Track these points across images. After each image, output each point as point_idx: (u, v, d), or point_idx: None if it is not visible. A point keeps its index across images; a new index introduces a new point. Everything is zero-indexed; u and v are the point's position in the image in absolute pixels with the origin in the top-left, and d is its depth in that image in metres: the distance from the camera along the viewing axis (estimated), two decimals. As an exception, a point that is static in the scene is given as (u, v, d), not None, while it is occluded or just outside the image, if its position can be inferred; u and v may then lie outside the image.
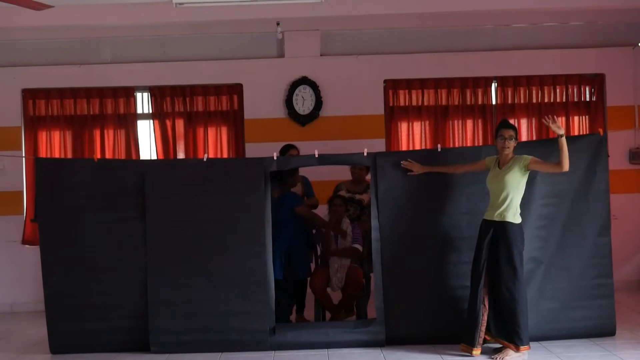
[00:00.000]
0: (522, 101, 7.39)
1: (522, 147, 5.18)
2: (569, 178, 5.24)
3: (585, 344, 5.20)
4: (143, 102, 7.43)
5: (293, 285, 5.80)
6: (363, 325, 5.44)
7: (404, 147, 7.31)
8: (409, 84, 7.34)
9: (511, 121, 6.39)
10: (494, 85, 7.40)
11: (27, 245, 7.17)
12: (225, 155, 7.34)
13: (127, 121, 7.35)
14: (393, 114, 7.37)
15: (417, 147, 7.29)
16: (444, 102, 7.36)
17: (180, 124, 7.37)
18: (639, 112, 7.41)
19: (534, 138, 7.26)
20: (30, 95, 7.35)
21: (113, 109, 7.35)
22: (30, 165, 7.05)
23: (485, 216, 5.01)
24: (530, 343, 4.94)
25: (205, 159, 5.52)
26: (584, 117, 7.44)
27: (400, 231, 5.36)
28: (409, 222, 5.37)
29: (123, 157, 7.28)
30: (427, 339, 5.29)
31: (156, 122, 7.35)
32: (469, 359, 4.97)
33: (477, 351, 4.96)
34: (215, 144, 7.38)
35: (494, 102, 7.41)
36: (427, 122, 7.36)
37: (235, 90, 7.38)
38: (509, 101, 7.37)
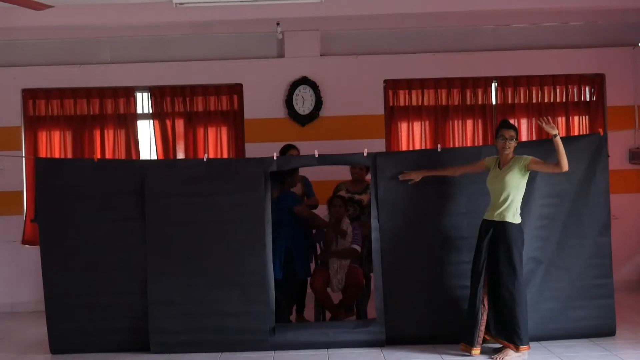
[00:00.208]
0: (522, 101, 7.39)
1: (522, 147, 5.17)
2: (569, 178, 5.24)
3: (585, 344, 5.20)
4: (143, 102, 7.43)
5: (293, 285, 5.79)
6: (363, 325, 5.44)
7: (404, 147, 7.31)
8: (409, 84, 7.34)
9: (511, 121, 6.39)
10: (494, 85, 7.40)
11: (27, 245, 7.17)
12: (225, 155, 7.34)
13: (127, 121, 7.35)
14: (393, 114, 7.37)
15: (417, 147, 7.29)
16: (444, 102, 7.36)
17: (180, 124, 7.36)
18: (639, 112, 7.41)
19: (534, 138, 7.26)
20: (30, 95, 7.34)
21: (113, 109, 7.35)
22: (30, 165, 7.05)
23: (485, 216, 5.02)
24: (530, 343, 4.94)
25: (205, 159, 5.52)
26: (584, 117, 7.44)
27: (400, 231, 5.36)
28: (409, 222, 5.37)
29: (123, 157, 7.27)
30: (427, 338, 5.29)
31: (156, 122, 7.35)
32: (468, 359, 4.96)
33: (476, 351, 4.96)
34: (215, 144, 7.37)
35: (494, 102, 7.41)
36: (427, 122, 7.36)
37: (235, 90, 7.38)
38: (509, 101, 7.37)
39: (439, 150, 5.47)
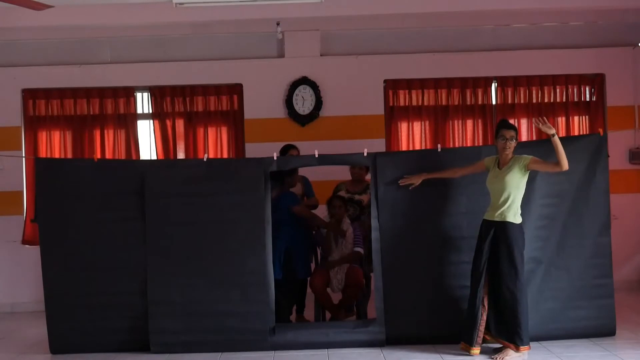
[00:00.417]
0: (522, 101, 7.39)
1: (522, 148, 5.17)
2: (569, 178, 5.25)
3: (585, 344, 5.20)
4: (143, 102, 7.43)
5: (293, 285, 5.79)
6: (363, 325, 5.44)
7: (404, 147, 7.32)
8: (409, 84, 7.34)
9: (511, 121, 6.39)
10: (494, 85, 7.40)
11: (27, 245, 7.17)
12: (225, 155, 7.34)
13: (127, 121, 7.35)
14: (393, 114, 7.37)
15: (417, 147, 7.29)
16: (444, 102, 7.36)
17: (180, 124, 7.37)
18: (639, 112, 7.41)
19: (534, 138, 7.25)
20: (30, 95, 7.35)
21: (113, 109, 7.35)
22: (30, 165, 7.05)
23: (486, 216, 5.01)
24: (530, 343, 4.93)
25: (205, 159, 5.52)
26: (584, 117, 7.44)
27: (400, 231, 5.36)
28: (409, 222, 5.37)
29: (123, 157, 7.27)
30: (427, 338, 5.29)
31: (156, 122, 7.35)
32: (468, 359, 4.96)
33: (475, 350, 4.96)
34: (215, 144, 7.37)
35: (494, 102, 7.41)
36: (427, 122, 7.36)
37: (235, 90, 7.38)
38: (509, 101, 7.37)
39: (439, 150, 5.47)
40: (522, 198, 4.97)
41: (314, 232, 5.98)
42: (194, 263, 5.35)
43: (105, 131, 7.35)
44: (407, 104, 7.38)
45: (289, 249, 5.71)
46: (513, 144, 4.97)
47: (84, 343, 5.42)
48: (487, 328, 5.02)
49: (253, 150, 7.03)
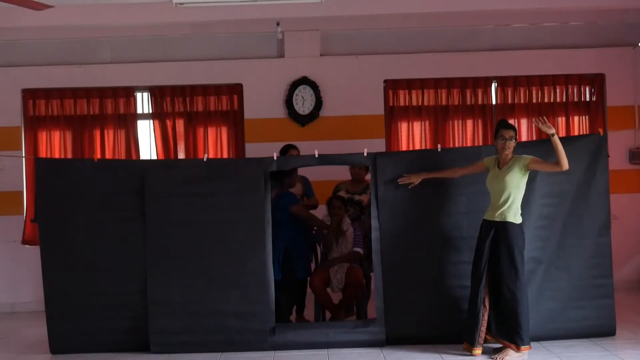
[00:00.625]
0: (522, 101, 7.39)
1: (522, 148, 5.17)
2: (569, 178, 5.25)
3: (585, 344, 5.20)
4: (143, 102, 7.43)
5: (293, 285, 5.79)
6: (363, 325, 5.44)
7: (404, 147, 7.32)
8: (409, 84, 7.34)
9: (511, 121, 6.42)
10: (494, 85, 7.40)
11: (27, 245, 7.17)
12: (225, 155, 7.34)
13: (127, 121, 7.35)
14: (393, 114, 7.37)
15: (417, 147, 7.29)
16: (444, 102, 7.36)
17: (180, 124, 7.37)
18: (639, 112, 7.41)
19: (534, 138, 7.25)
20: (30, 95, 7.35)
21: (113, 109, 7.35)
22: (30, 165, 7.05)
23: (486, 216, 5.01)
24: (531, 343, 4.93)
25: (205, 159, 5.52)
26: (584, 117, 7.44)
27: (400, 231, 5.36)
28: (408, 222, 5.37)
29: (123, 157, 7.28)
30: (427, 338, 5.29)
31: (156, 122, 7.35)
32: (469, 359, 4.96)
33: (477, 351, 4.96)
34: (215, 144, 7.38)
35: (494, 102, 7.41)
36: (427, 122, 7.36)
37: (235, 90, 7.38)
38: (509, 101, 7.37)
39: (439, 150, 5.47)
40: (522, 198, 4.96)
41: (313, 231, 5.98)
42: (194, 263, 5.35)
43: (105, 131, 7.35)
44: (407, 104, 7.38)
45: (288, 249, 5.70)
46: (512, 143, 4.97)
47: (84, 343, 5.42)
48: (488, 328, 5.01)
49: (253, 150, 7.03)
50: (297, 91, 7.26)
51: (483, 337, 4.99)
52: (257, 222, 5.34)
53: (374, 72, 7.30)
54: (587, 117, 7.43)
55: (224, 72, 7.31)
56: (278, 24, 6.99)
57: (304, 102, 7.26)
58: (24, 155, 7.27)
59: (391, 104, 7.37)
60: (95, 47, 7.41)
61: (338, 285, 5.72)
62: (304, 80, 7.27)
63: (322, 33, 7.35)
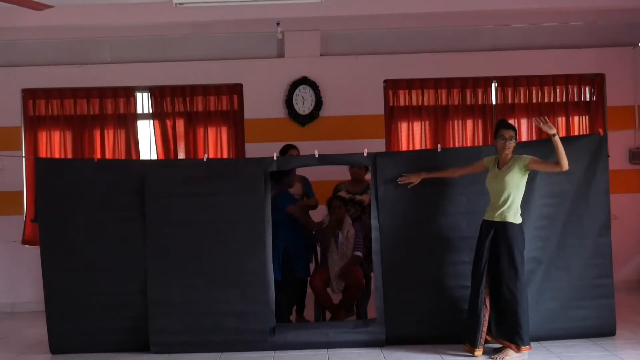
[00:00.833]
0: (522, 101, 7.39)
1: (522, 148, 5.17)
2: (569, 178, 5.24)
3: (585, 344, 5.20)
4: (143, 102, 7.43)
5: (293, 285, 5.79)
6: (363, 325, 5.44)
7: (404, 147, 7.32)
8: (409, 84, 7.34)
9: (511, 121, 6.42)
10: (494, 85, 7.40)
11: (27, 245, 7.17)
12: (225, 155, 7.34)
13: (127, 121, 7.35)
14: (393, 114, 7.37)
15: (417, 147, 7.29)
16: (444, 102, 7.36)
17: (180, 124, 7.37)
18: (639, 112, 7.41)
19: (534, 138, 7.25)
20: (30, 95, 7.35)
21: (113, 109, 7.35)
22: (30, 165, 7.05)
23: (486, 216, 5.01)
24: (531, 343, 4.93)
25: (205, 159, 5.52)
26: (584, 117, 7.44)
27: (400, 231, 5.36)
28: (409, 222, 5.37)
29: (123, 157, 7.27)
30: (427, 339, 5.29)
31: (156, 122, 7.35)
32: (469, 359, 4.96)
33: (479, 352, 4.96)
34: (215, 144, 7.37)
35: (494, 102, 7.41)
36: (427, 122, 7.36)
37: (235, 90, 7.38)
38: (509, 101, 7.37)
39: (439, 150, 5.47)
40: (522, 198, 4.96)
41: (313, 231, 5.98)
42: (194, 263, 5.35)
43: (105, 131, 7.35)
44: (407, 104, 7.38)
45: (288, 249, 5.71)
46: (512, 143, 4.97)
47: (84, 343, 5.42)
48: (487, 328, 5.01)
49: (253, 150, 7.03)
50: (297, 91, 7.26)
51: (484, 337, 4.98)
52: (257, 222, 5.34)
53: (374, 72, 7.30)
54: (587, 117, 7.43)
55: (224, 72, 7.31)
56: (278, 24, 6.99)
57: (304, 102, 7.26)
58: (24, 155, 7.27)
59: (391, 104, 7.37)
60: (95, 47, 7.41)
61: (338, 287, 5.72)
62: (304, 80, 7.27)
63: (322, 33, 7.35)
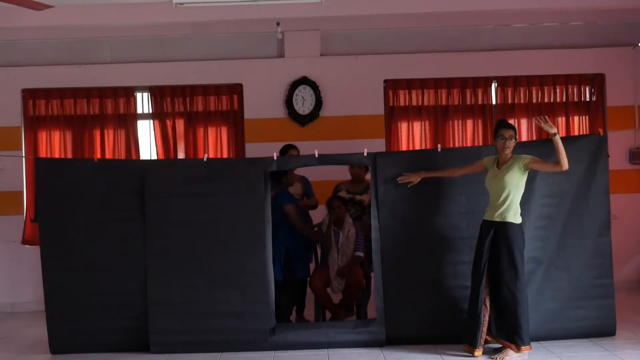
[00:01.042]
0: (522, 101, 7.39)
1: (522, 147, 5.17)
2: (569, 178, 5.25)
3: (585, 344, 5.20)
4: (143, 102, 7.43)
5: (293, 285, 5.79)
6: (363, 325, 5.44)
7: (404, 147, 7.31)
8: (409, 84, 7.34)
9: (511, 121, 6.42)
10: (494, 85, 7.40)
11: (27, 245, 7.17)
12: (225, 155, 7.34)
13: (127, 121, 7.35)
14: (393, 114, 7.37)
15: (417, 147, 7.29)
16: (444, 102, 7.36)
17: (180, 124, 7.37)
18: (639, 112, 7.41)
19: (534, 138, 7.26)
20: (30, 95, 7.35)
21: (113, 109, 7.35)
22: (30, 165, 7.05)
23: (486, 217, 5.01)
24: (531, 343, 4.93)
25: (205, 159, 5.52)
26: (584, 117, 7.44)
27: (400, 231, 5.36)
28: (409, 222, 5.37)
29: (123, 157, 7.27)
30: (427, 339, 5.29)
31: (156, 122, 7.35)
32: (470, 359, 4.96)
33: (479, 352, 4.96)
34: (215, 144, 7.37)
35: (494, 102, 7.41)
36: (427, 122, 7.36)
37: (235, 90, 7.38)
38: (509, 101, 7.37)
39: (439, 150, 5.47)
40: (522, 198, 4.96)
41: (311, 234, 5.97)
42: (194, 263, 5.35)
43: (105, 131, 7.35)
44: (407, 104, 7.38)
45: (288, 249, 5.70)
46: (512, 143, 4.97)
47: (84, 343, 5.42)
48: (488, 329, 5.01)
49: (253, 150, 7.03)
50: (297, 91, 7.26)
51: (484, 337, 4.98)
52: (257, 222, 5.34)
53: (374, 72, 7.30)
54: (587, 117, 7.43)
55: (224, 72, 7.31)
56: (278, 24, 6.99)
57: (304, 102, 7.26)
58: (24, 155, 7.26)
59: (391, 104, 7.37)
60: (95, 47, 7.41)
61: (338, 287, 5.72)
62: (304, 80, 7.27)
63: (322, 33, 7.35)
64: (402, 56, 7.34)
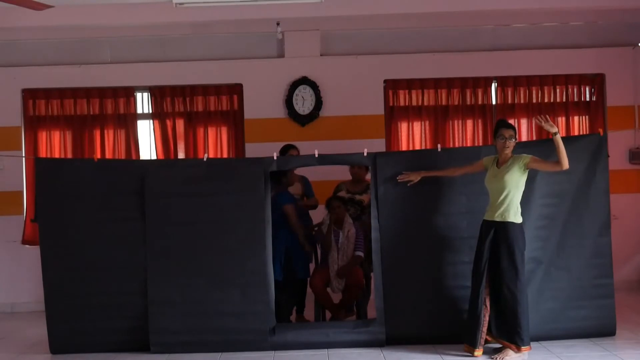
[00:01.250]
0: (522, 101, 7.39)
1: (522, 147, 5.17)
2: (569, 178, 5.25)
3: (585, 344, 5.20)
4: (143, 102, 7.43)
5: (293, 285, 5.79)
6: (363, 325, 5.44)
7: (404, 147, 7.31)
8: (409, 84, 7.34)
9: (511, 121, 6.42)
10: (494, 85, 7.40)
11: (27, 245, 7.17)
12: (225, 155, 7.34)
13: (127, 121, 7.35)
14: (393, 114, 7.37)
15: (417, 147, 7.29)
16: (444, 102, 7.36)
17: (180, 124, 7.37)
18: (639, 112, 7.41)
19: (534, 138, 7.26)
20: (30, 95, 7.35)
21: (113, 109, 7.35)
22: (30, 165, 7.05)
23: (486, 217, 5.01)
24: (531, 343, 4.93)
25: (205, 159, 5.52)
26: (584, 117, 7.44)
27: (400, 231, 5.36)
28: (409, 222, 5.37)
29: (123, 157, 7.27)
30: (427, 339, 5.29)
31: (156, 122, 7.35)
32: (468, 359, 4.96)
33: (479, 352, 4.96)
34: (215, 144, 7.37)
35: (494, 102, 7.41)
36: (427, 122, 7.36)
37: (235, 90, 7.38)
38: (509, 101, 7.37)
39: (439, 150, 5.47)
40: (522, 198, 4.96)
41: (314, 231, 5.98)
42: (194, 263, 5.35)
43: (105, 131, 7.35)
44: (407, 104, 7.38)
45: (288, 249, 5.70)
46: (512, 143, 4.97)
47: (84, 343, 5.42)
48: (488, 329, 5.01)
49: (253, 150, 7.03)
50: (297, 91, 7.26)
51: (484, 337, 4.98)
52: (257, 222, 5.34)
53: (374, 72, 7.30)
54: (587, 117, 7.43)
55: (224, 72, 7.31)
56: (278, 24, 6.99)
57: (304, 102, 7.26)
58: (24, 155, 7.26)
59: (391, 104, 7.37)
60: (95, 47, 7.41)
61: (338, 286, 5.72)
62: (304, 80, 7.27)
63: (322, 33, 7.35)
64: (402, 56, 7.34)
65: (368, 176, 5.74)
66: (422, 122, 7.37)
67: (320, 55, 7.35)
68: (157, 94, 7.34)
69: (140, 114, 7.42)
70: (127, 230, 5.40)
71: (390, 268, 5.34)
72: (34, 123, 7.34)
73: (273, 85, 7.28)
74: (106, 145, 7.34)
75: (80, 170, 5.55)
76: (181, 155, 7.33)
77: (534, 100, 7.38)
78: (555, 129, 4.82)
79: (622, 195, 7.12)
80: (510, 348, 4.89)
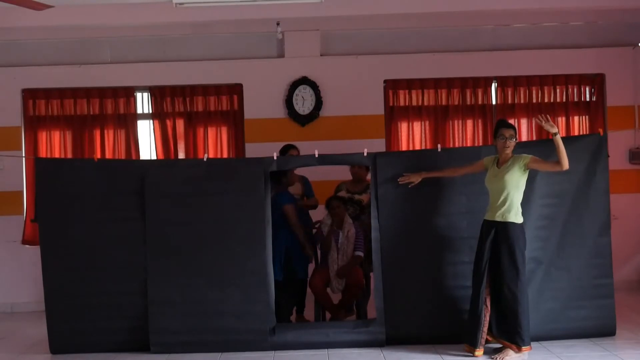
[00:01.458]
0: (522, 101, 7.39)
1: (522, 147, 5.17)
2: (569, 178, 5.25)
3: (585, 344, 5.20)
4: (143, 102, 7.43)
5: (293, 285, 5.79)
6: (363, 325, 5.44)
7: (404, 147, 7.31)
8: (409, 84, 7.34)
9: (511, 121, 6.41)
10: (494, 85, 7.40)
11: (27, 245, 7.17)
12: (225, 155, 7.34)
13: (127, 121, 7.35)
14: (393, 114, 7.37)
15: (417, 147, 7.29)
16: (444, 102, 7.36)
17: (180, 124, 7.37)
18: (639, 112, 7.41)
19: (534, 138, 7.26)
20: (30, 95, 7.34)
21: (113, 109, 7.35)
22: (30, 165, 7.05)
23: (486, 217, 5.01)
24: (531, 343, 4.93)
25: (205, 159, 5.52)
26: (584, 117, 7.44)
27: (400, 231, 5.36)
28: (409, 222, 5.37)
29: (123, 157, 7.27)
30: (427, 339, 5.29)
31: (156, 122, 7.35)
32: (470, 359, 4.96)
33: (479, 352, 4.96)
34: (215, 144, 7.37)
35: (494, 102, 7.41)
36: (427, 122, 7.36)
37: (235, 90, 7.38)
38: (509, 101, 7.37)
39: (439, 150, 5.47)
40: (522, 198, 4.96)
41: (313, 231, 5.98)
42: (194, 263, 5.35)
43: (105, 131, 7.35)
44: (407, 104, 7.37)
45: (288, 249, 5.70)
46: (512, 143, 4.97)
47: (84, 343, 5.42)
48: (489, 329, 5.01)
49: (253, 150, 7.03)
50: (297, 91, 7.26)
51: (485, 337, 4.98)
52: (257, 222, 5.34)
53: (374, 72, 7.30)
54: (587, 117, 7.43)
55: (224, 72, 7.31)
56: (278, 24, 6.99)
57: (304, 102, 7.26)
58: (24, 155, 7.26)
59: (391, 104, 7.37)
60: (95, 47, 7.41)
61: (338, 287, 5.72)
62: (304, 80, 7.27)
63: (322, 33, 7.35)
64: (402, 56, 7.34)
65: (368, 176, 5.74)
66: (422, 122, 7.37)
67: (320, 55, 7.35)
68: (157, 94, 7.34)
69: (140, 114, 7.42)
70: (127, 230, 5.40)
71: (390, 268, 5.34)
72: (34, 123, 7.34)
73: (273, 85, 7.29)
74: (106, 145, 7.34)
75: (80, 170, 5.55)
76: (181, 155, 7.33)
77: (534, 100, 7.38)
78: (555, 129, 4.82)
79: (622, 195, 7.12)
80: (511, 348, 4.89)
